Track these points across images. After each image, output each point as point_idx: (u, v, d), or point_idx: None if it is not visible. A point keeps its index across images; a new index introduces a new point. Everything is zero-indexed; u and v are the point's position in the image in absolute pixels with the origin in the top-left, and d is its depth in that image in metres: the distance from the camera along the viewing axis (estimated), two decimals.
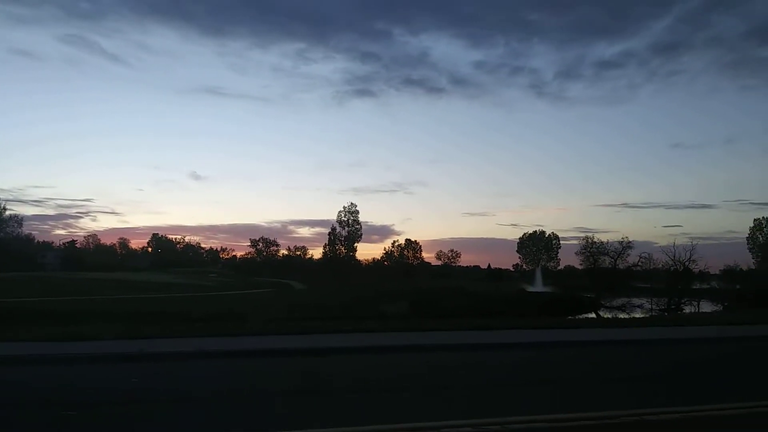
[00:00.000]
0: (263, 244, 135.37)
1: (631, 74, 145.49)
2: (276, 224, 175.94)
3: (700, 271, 58.07)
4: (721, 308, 49.55)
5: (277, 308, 36.50)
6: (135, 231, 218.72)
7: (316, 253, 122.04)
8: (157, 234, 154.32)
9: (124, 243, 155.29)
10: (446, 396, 8.29)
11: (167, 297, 45.28)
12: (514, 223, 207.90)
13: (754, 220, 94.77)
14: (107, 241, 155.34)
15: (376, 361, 11.58)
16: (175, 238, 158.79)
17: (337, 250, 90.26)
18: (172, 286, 60.68)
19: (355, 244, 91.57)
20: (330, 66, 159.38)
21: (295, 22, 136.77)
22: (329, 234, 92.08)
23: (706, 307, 52.09)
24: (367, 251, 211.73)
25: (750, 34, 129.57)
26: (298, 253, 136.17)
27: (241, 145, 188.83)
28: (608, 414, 6.86)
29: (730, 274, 69.57)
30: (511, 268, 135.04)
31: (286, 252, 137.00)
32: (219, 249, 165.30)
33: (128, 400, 8.00)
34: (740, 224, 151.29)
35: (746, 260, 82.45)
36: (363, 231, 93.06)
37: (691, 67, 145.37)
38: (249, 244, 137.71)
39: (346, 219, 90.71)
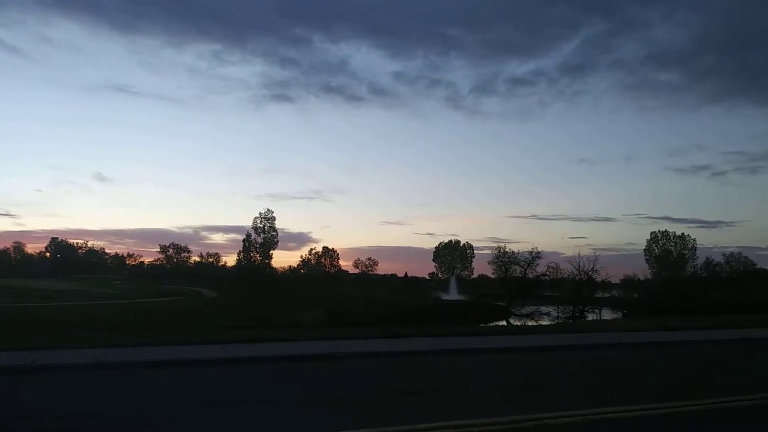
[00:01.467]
0: (174, 250, 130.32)
1: (541, 92, 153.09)
2: (187, 230, 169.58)
3: (602, 280, 61.69)
4: (621, 315, 52.70)
5: (187, 317, 35.13)
6: (32, 234, 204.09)
7: (230, 260, 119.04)
8: (57, 238, 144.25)
9: (19, 247, 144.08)
10: (349, 405, 8.20)
11: (66, 305, 42.36)
12: (430, 232, 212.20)
13: (651, 233, 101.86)
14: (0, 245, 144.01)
15: (289, 371, 11.29)
16: (77, 243, 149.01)
17: (251, 257, 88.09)
18: (71, 293, 56.85)
19: (271, 252, 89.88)
20: (247, 69, 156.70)
21: (211, 22, 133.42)
22: (244, 241, 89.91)
23: (607, 314, 55.24)
24: (283, 259, 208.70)
25: (648, 59, 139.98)
26: (211, 260, 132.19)
27: (151, 146, 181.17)
28: (512, 419, 7.02)
29: (629, 283, 74.27)
30: (428, 277, 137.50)
31: (198, 259, 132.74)
32: (125, 255, 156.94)
33: (13, 417, 7.31)
34: (638, 237, 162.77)
35: (644, 270, 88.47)
36: (279, 238, 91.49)
37: (596, 88, 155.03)
38: (158, 250, 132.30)
39: (261, 225, 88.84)
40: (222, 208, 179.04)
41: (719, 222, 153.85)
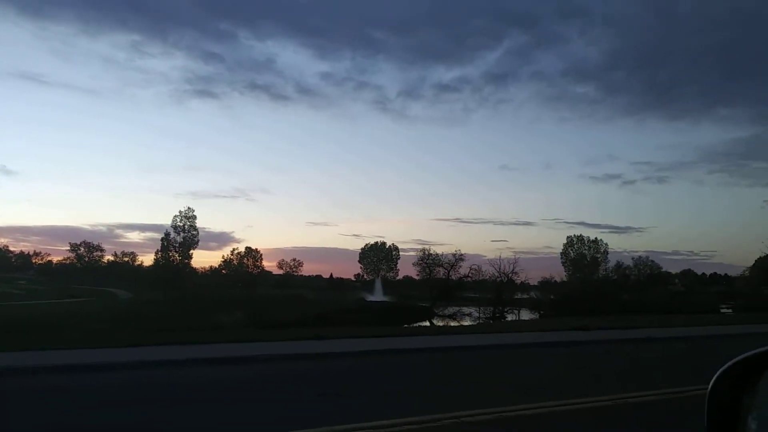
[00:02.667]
0: (85, 248, 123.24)
1: (465, 99, 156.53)
2: (101, 227, 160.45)
3: (521, 282, 63.81)
4: (538, 316, 54.74)
5: (98, 319, 33.31)
6: None
7: (147, 259, 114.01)
8: None
9: None
10: (265, 407, 8.00)
11: None
12: (356, 233, 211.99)
13: (567, 237, 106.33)
14: None
15: (205, 374, 10.87)
16: None
17: (170, 256, 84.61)
18: None
19: (191, 251, 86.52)
20: (168, 63, 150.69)
21: (130, 12, 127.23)
22: (162, 240, 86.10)
23: (526, 314, 57.23)
24: (204, 259, 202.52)
25: (567, 72, 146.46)
26: (126, 259, 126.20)
27: (62, 139, 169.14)
28: (431, 417, 7.06)
29: (546, 285, 77.23)
30: (353, 278, 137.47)
31: (111, 258, 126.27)
32: (31, 253, 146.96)
33: None
34: (555, 240, 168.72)
35: (560, 273, 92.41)
36: (200, 237, 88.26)
37: (517, 97, 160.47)
38: (68, 248, 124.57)
39: (181, 224, 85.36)
40: (139, 206, 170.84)
41: (629, 227, 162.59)
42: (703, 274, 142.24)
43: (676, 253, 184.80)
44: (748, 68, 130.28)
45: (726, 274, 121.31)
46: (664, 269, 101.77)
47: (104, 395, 8.83)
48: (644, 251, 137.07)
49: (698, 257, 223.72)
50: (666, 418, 7.53)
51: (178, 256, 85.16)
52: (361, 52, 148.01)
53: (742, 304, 66.78)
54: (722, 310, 61.61)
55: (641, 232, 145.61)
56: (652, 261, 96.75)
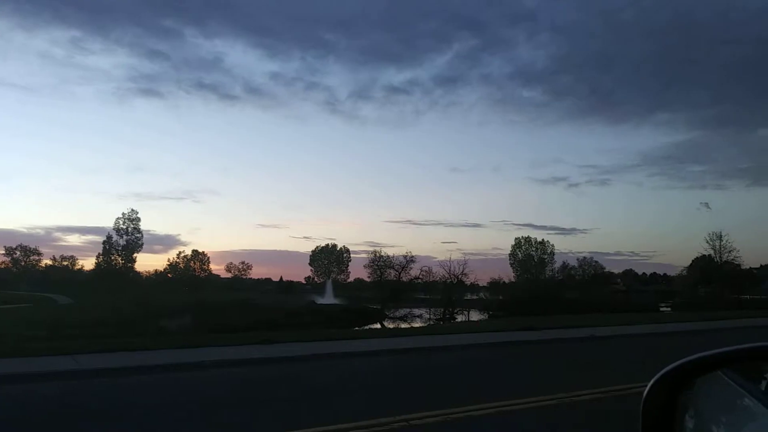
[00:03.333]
0: (21, 252, 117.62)
1: (416, 101, 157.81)
2: (38, 230, 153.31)
3: (471, 283, 64.87)
4: (487, 316, 55.65)
5: (35, 326, 31.79)
6: None
7: (88, 263, 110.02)
8: None
9: None
10: (209, 414, 7.75)
11: None
12: (306, 236, 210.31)
13: (515, 239, 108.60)
14: None
15: (147, 382, 10.45)
16: None
17: (113, 260, 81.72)
18: None
19: (135, 255, 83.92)
20: (111, 60, 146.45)
21: (69, 6, 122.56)
22: (104, 243, 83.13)
23: (475, 315, 58.09)
24: (148, 262, 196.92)
25: (514, 76, 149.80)
26: (66, 263, 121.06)
27: None
28: (378, 421, 6.97)
29: (495, 286, 78.72)
30: (303, 281, 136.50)
31: (50, 262, 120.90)
32: None
33: None
34: (504, 242, 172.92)
35: (508, 274, 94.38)
36: (145, 240, 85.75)
37: (467, 100, 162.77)
38: (3, 252, 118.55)
39: (125, 227, 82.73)
40: (79, 208, 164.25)
41: (574, 229, 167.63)
42: (644, 273, 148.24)
43: (618, 253, 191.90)
44: (686, 75, 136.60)
45: (665, 274, 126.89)
46: (606, 269, 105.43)
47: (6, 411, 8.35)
48: (588, 252, 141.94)
49: (639, 257, 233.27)
50: (606, 415, 7.70)
51: (121, 260, 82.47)
52: (311, 53, 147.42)
53: (680, 302, 69.93)
54: (661, 308, 64.24)
55: (585, 233, 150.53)
56: (596, 261, 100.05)
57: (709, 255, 75.81)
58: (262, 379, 10.82)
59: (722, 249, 73.71)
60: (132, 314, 39.39)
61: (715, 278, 73.64)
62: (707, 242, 74.86)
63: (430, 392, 9.40)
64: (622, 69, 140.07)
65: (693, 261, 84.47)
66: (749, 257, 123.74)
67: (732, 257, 74.08)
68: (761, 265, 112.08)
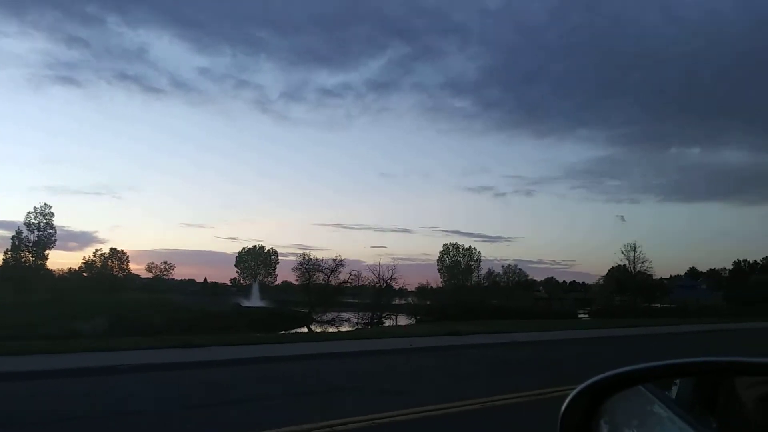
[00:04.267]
0: None
1: (348, 105, 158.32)
2: None
3: (400, 288, 65.44)
4: (414, 321, 56.20)
5: None
6: None
7: None
8: None
9: None
10: (125, 422, 7.36)
11: None
12: (233, 236, 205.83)
13: (443, 245, 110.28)
14: None
15: (53, 387, 9.79)
16: None
17: (22, 257, 76.66)
18: None
19: (47, 252, 78.97)
20: (26, 44, 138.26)
21: None
22: (13, 238, 77.59)
23: (403, 320, 58.54)
24: (62, 260, 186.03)
25: (445, 86, 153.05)
26: None
27: None
28: (300, 428, 6.84)
29: (423, 291, 79.69)
30: (229, 283, 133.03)
31: None
32: None
33: None
34: (432, 248, 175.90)
35: (436, 279, 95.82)
36: (58, 237, 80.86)
37: (399, 106, 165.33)
38: None
39: (36, 222, 77.53)
40: None
41: (500, 237, 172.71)
42: (564, 281, 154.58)
43: (540, 261, 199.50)
44: (605, 94, 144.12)
45: (584, 282, 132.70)
46: (530, 277, 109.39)
47: None
48: (513, 260, 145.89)
49: (560, 266, 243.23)
50: (527, 419, 7.91)
51: (32, 257, 77.49)
52: (241, 49, 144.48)
53: (597, 309, 73.35)
54: (579, 315, 67.15)
55: (510, 241, 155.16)
56: (520, 269, 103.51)
57: (624, 265, 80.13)
58: (178, 385, 10.39)
59: (636, 260, 78.09)
60: (41, 315, 37.06)
61: (629, 287, 77.86)
62: (622, 253, 79.08)
63: (356, 397, 9.34)
64: (546, 84, 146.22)
65: (609, 270, 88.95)
66: (660, 268, 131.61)
67: (645, 268, 78.65)
68: (670, 276, 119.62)
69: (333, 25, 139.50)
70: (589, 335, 23.99)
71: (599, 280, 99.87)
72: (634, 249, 77.79)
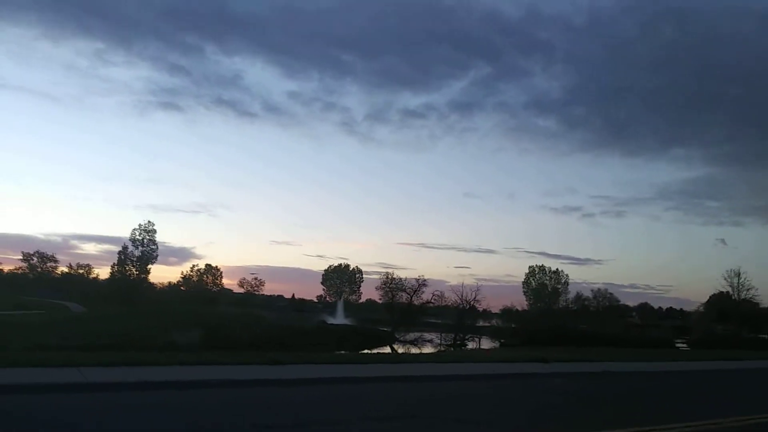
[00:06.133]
0: (38, 258, 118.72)
1: (432, 125, 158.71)
2: (55, 237, 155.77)
3: (483, 309, 64.18)
4: (498, 344, 54.82)
5: (47, 334, 31.98)
6: None
7: (103, 272, 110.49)
8: None
9: None
10: None
11: None
12: (320, 254, 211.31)
13: (529, 267, 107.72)
14: None
15: (149, 400, 10.36)
16: None
17: (127, 270, 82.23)
18: None
19: (149, 266, 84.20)
20: (132, 72, 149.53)
21: (94, 18, 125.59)
22: (120, 253, 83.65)
23: (486, 343, 57.24)
24: (162, 274, 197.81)
25: (529, 105, 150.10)
26: (81, 271, 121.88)
27: (17, 143, 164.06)
28: None
29: (507, 313, 77.81)
30: (315, 299, 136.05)
31: (66, 269, 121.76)
32: None
33: None
34: (517, 269, 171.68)
35: (521, 302, 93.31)
36: (159, 252, 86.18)
37: (482, 126, 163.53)
38: (20, 257, 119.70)
39: (140, 238, 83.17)
40: (96, 217, 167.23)
41: (588, 259, 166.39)
42: (660, 307, 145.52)
43: (633, 286, 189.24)
44: (701, 110, 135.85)
45: (681, 309, 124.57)
46: (621, 302, 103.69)
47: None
48: (603, 283, 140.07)
49: (654, 291, 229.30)
50: None
51: (136, 271, 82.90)
52: (328, 73, 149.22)
53: (696, 339, 68.38)
54: (677, 345, 62.84)
55: (600, 264, 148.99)
56: (611, 293, 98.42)
57: (727, 292, 74.48)
58: (259, 403, 10.67)
59: (740, 286, 72.44)
60: (141, 326, 39.41)
61: (732, 316, 72.14)
62: (725, 279, 73.60)
63: (432, 426, 9.20)
64: (635, 102, 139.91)
65: (710, 297, 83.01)
66: (767, 296, 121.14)
67: (750, 295, 72.68)
68: None
69: (415, 47, 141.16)
70: (690, 367, 22.31)
71: (699, 307, 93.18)
72: (738, 275, 72.29)
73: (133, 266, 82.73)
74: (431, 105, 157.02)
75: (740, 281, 72.32)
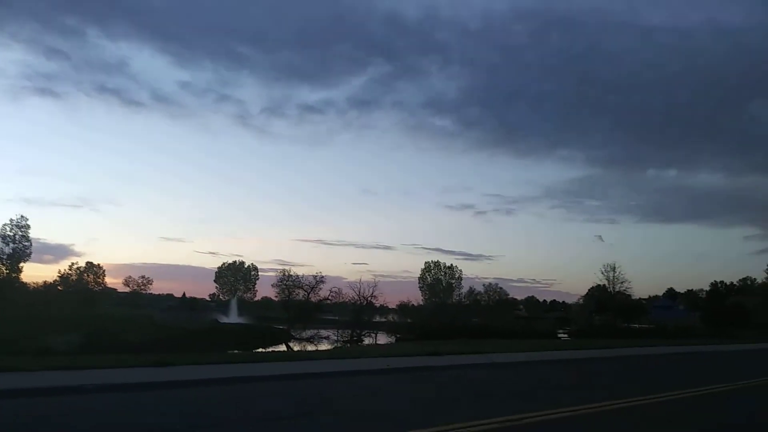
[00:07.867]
0: None
1: (330, 121, 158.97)
2: None
3: (381, 305, 65.00)
4: (395, 339, 55.78)
5: None
6: None
7: None
8: None
9: None
10: None
11: None
12: (213, 251, 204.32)
13: (425, 262, 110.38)
14: None
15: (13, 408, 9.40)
16: None
17: None
18: None
19: (21, 264, 77.35)
20: (4, 55, 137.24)
21: None
22: None
23: (383, 338, 58.06)
24: (36, 273, 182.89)
25: (426, 104, 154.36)
26: None
27: None
28: None
29: (404, 309, 79.39)
30: (208, 298, 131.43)
31: None
32: None
33: None
34: (414, 265, 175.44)
35: (417, 297, 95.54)
36: (33, 249, 79.26)
37: (380, 124, 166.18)
38: None
39: (12, 234, 75.98)
40: None
41: (481, 255, 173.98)
42: (545, 300, 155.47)
43: (521, 280, 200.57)
44: (584, 116, 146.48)
45: (563, 302, 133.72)
46: (510, 296, 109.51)
47: None
48: (494, 278, 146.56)
49: (540, 285, 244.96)
50: None
51: (6, 269, 75.85)
52: (223, 64, 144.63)
53: (576, 330, 73.53)
54: (559, 335, 67.20)
55: (491, 259, 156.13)
56: (500, 287, 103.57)
57: (604, 285, 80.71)
58: (146, 407, 10.05)
59: (615, 280, 78.75)
60: (13, 330, 36.05)
61: (608, 307, 78.36)
62: (602, 273, 79.68)
63: (332, 422, 9.11)
64: (525, 105, 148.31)
65: (589, 290, 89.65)
66: (638, 288, 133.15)
67: (624, 288, 79.28)
68: (649, 296, 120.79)
69: (315, 42, 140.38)
70: (570, 356, 23.90)
71: (579, 299, 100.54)
72: (614, 269, 78.53)
73: (2, 264, 75.65)
74: (330, 101, 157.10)
75: (615, 275, 78.64)
